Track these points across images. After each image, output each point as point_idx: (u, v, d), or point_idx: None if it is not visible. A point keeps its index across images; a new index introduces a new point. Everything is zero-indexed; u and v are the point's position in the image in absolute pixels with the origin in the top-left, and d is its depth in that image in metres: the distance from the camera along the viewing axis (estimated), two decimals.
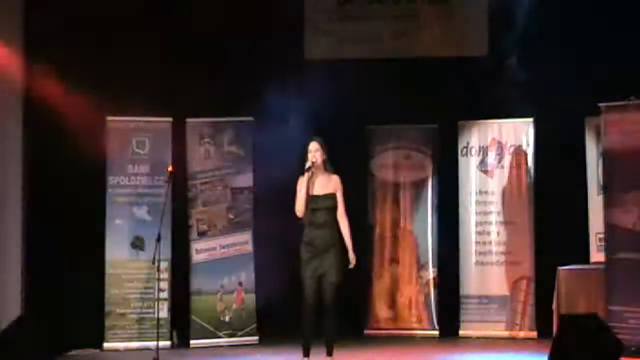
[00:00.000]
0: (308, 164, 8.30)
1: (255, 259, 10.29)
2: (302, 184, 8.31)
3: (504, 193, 10.53)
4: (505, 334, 10.36)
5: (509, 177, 10.55)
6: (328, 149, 8.44)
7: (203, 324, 10.14)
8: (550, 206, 10.31)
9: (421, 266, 10.69)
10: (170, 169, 9.56)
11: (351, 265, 8.36)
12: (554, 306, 9.53)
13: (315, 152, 8.34)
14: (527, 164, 10.51)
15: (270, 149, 10.05)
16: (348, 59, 10.91)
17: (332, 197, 8.34)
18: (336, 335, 8.34)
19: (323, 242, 8.25)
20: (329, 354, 8.33)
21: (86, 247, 10.06)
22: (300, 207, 8.29)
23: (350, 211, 8.44)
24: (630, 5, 10.01)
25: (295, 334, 8.45)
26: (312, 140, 8.40)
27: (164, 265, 9.75)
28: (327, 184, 8.35)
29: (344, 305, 10.09)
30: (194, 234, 10.28)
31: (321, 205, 8.29)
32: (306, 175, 8.29)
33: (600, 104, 9.21)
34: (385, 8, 11.06)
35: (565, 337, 6.57)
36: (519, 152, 10.54)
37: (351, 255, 8.35)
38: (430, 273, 10.65)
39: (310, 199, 8.27)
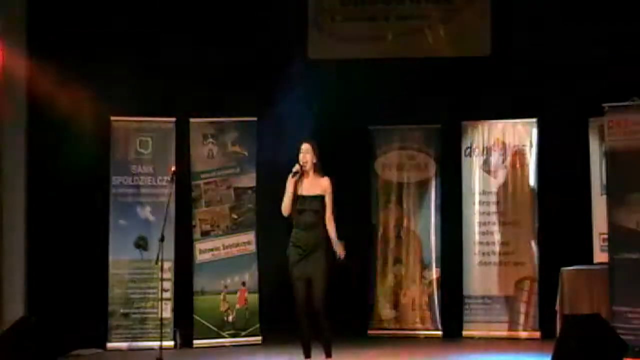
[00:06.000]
0: (296, 167, 8.25)
1: (259, 259, 10.29)
2: (290, 183, 8.28)
3: (507, 193, 10.52)
4: (508, 334, 10.35)
5: (513, 178, 10.54)
6: (323, 150, 8.39)
7: (206, 324, 10.13)
8: (554, 206, 10.29)
9: (425, 266, 10.69)
10: (173, 169, 9.56)
11: (341, 256, 8.22)
12: (557, 307, 9.52)
13: (306, 153, 8.28)
14: (530, 164, 10.50)
15: (273, 149, 10.05)
16: (352, 58, 10.91)
17: (319, 198, 8.28)
18: (332, 335, 8.29)
19: (309, 243, 8.21)
20: (328, 354, 8.29)
21: (90, 247, 10.08)
22: (286, 206, 8.26)
23: (353, 211, 8.43)
24: (632, 5, 10.00)
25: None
26: (304, 141, 8.35)
27: (167, 265, 9.79)
28: (316, 185, 8.29)
29: (346, 306, 10.13)
30: (197, 234, 10.28)
31: (307, 206, 8.26)
32: (296, 176, 8.27)
33: (604, 105, 9.20)
34: (389, 8, 11.06)
35: (569, 338, 6.58)
36: (522, 152, 10.53)
37: (339, 248, 8.20)
38: (434, 273, 10.64)
39: (298, 199, 8.26)
